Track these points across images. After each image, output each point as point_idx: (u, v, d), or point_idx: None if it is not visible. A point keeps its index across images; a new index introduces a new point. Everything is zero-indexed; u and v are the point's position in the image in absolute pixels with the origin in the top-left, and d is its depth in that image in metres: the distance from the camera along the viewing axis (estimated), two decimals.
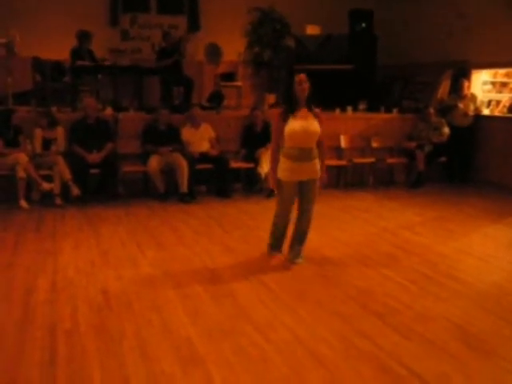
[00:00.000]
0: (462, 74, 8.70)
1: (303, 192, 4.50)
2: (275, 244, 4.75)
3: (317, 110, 4.42)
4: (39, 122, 6.63)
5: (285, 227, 4.67)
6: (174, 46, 8.31)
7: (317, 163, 4.44)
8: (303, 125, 4.31)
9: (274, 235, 4.73)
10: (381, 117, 8.57)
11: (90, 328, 3.29)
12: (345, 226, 5.88)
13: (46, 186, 6.43)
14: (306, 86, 4.32)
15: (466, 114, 8.30)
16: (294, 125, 4.31)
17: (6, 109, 6.70)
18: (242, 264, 4.55)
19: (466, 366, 2.95)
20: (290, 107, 4.37)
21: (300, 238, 4.66)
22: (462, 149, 8.37)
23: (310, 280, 4.22)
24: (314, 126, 4.35)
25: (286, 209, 4.55)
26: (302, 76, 4.33)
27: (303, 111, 4.36)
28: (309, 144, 4.36)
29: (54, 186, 6.47)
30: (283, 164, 4.40)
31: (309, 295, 3.90)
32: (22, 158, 6.31)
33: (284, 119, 4.35)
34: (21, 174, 6.28)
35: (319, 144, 4.45)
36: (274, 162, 4.48)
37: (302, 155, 4.34)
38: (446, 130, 8.19)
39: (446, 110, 8.43)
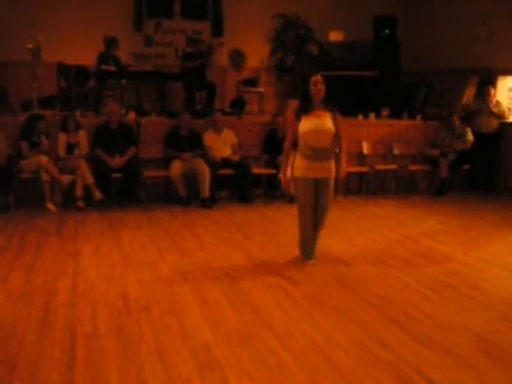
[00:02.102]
0: (487, 80, 8.59)
1: (319, 191, 4.51)
2: (305, 252, 4.71)
3: (335, 111, 4.45)
4: (64, 125, 6.74)
5: (309, 233, 4.64)
6: (201, 51, 8.38)
7: (332, 164, 4.48)
8: (316, 123, 4.36)
9: (302, 243, 4.70)
10: (404, 123, 8.52)
11: (110, 332, 3.32)
12: (366, 232, 5.86)
13: (65, 179, 6.50)
14: (322, 87, 4.37)
15: (491, 121, 8.20)
16: (306, 124, 4.38)
17: (35, 114, 6.82)
18: (261, 270, 4.55)
19: (487, 377, 2.90)
20: (304, 106, 4.43)
21: (317, 240, 4.72)
22: (486, 156, 8.26)
23: (330, 286, 4.21)
24: (328, 125, 4.38)
25: (306, 210, 4.53)
26: (318, 77, 4.39)
27: (318, 111, 4.41)
28: (322, 143, 4.39)
29: (77, 190, 6.56)
30: (298, 162, 4.46)
31: (328, 302, 3.88)
32: (43, 159, 6.42)
33: (298, 118, 4.42)
34: (44, 176, 6.39)
35: (337, 141, 4.46)
36: (286, 161, 4.54)
37: (316, 155, 4.39)
38: (470, 137, 8.09)
39: (470, 117, 8.34)
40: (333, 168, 4.50)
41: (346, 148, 4.63)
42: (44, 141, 6.55)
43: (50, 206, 6.47)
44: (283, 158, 4.61)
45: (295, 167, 4.49)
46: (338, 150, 4.56)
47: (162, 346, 3.14)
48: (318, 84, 4.36)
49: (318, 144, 4.38)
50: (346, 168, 4.66)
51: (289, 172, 4.59)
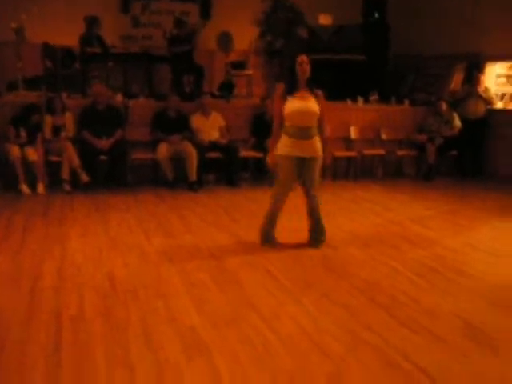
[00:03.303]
0: (475, 66, 8.60)
1: (305, 173, 4.52)
2: (267, 234, 4.72)
3: (317, 91, 4.50)
4: (49, 107, 6.64)
5: (278, 212, 4.64)
6: (187, 34, 8.28)
7: (317, 141, 4.50)
8: (301, 105, 4.40)
9: (267, 223, 4.68)
10: (392, 108, 8.51)
11: (96, 315, 3.29)
12: (353, 216, 5.87)
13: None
14: (307, 67, 4.41)
15: (478, 107, 8.21)
16: (292, 105, 4.41)
17: (33, 105, 6.65)
18: (248, 253, 4.55)
19: (473, 362, 2.92)
20: (289, 87, 4.46)
21: (317, 225, 4.72)
22: (474, 142, 8.29)
23: (317, 270, 4.21)
24: (313, 106, 4.43)
25: (284, 189, 4.53)
26: (304, 57, 4.42)
27: (302, 92, 4.45)
28: (307, 123, 4.44)
29: (63, 172, 6.50)
30: (283, 140, 4.49)
31: (315, 286, 3.88)
32: (15, 150, 6.34)
33: (283, 98, 4.45)
34: (16, 160, 6.31)
35: (320, 123, 4.51)
36: (274, 141, 4.55)
37: (301, 133, 4.42)
38: (458, 123, 8.11)
39: (458, 103, 8.34)
40: (318, 147, 4.51)
41: (329, 131, 4.64)
42: (22, 134, 6.44)
43: (24, 188, 6.38)
44: (271, 139, 4.61)
45: (279, 146, 4.51)
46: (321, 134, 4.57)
47: (149, 329, 3.12)
48: (303, 64, 4.39)
49: (303, 123, 4.41)
50: (331, 153, 4.66)
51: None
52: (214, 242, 4.80)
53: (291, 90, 4.45)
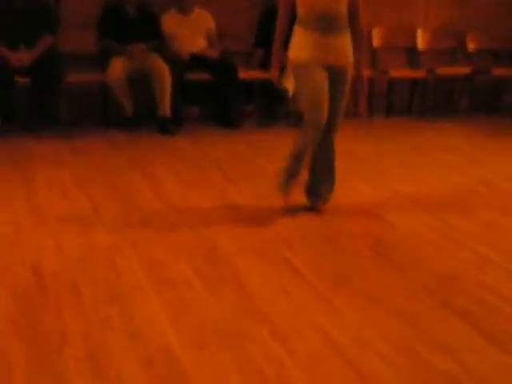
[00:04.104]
0: None
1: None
2: (286, 181, 4.85)
3: None
4: None
5: (306, 152, 4.75)
6: None
7: (347, 41, 4.59)
8: None
9: (290, 163, 4.80)
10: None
11: (14, 327, 3.29)
12: (417, 174, 5.90)
13: None
14: None
15: None
16: None
17: None
18: (251, 231, 4.59)
19: None
20: None
21: (329, 174, 4.90)
22: None
23: (357, 256, 4.23)
24: None
25: (317, 113, 4.56)
26: None
27: None
28: (333, 8, 4.43)
29: None
30: (298, 39, 4.53)
31: (354, 281, 3.89)
32: None
33: None
34: None
35: (352, 13, 4.53)
36: (279, 44, 4.65)
37: (324, 24, 4.44)
38: None
39: None
40: (349, 52, 4.58)
41: (362, 22, 4.63)
42: None
43: None
44: (275, 41, 4.67)
45: (293, 49, 4.58)
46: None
47: (98, 351, 3.12)
48: None
49: (327, 8, 4.42)
50: (364, 64, 4.74)
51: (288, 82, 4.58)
52: (200, 216, 4.82)
53: None
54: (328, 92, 4.57)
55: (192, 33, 7.19)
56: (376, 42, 7.90)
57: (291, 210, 4.90)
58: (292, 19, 4.59)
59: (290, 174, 4.81)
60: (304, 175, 4.89)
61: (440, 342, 3.28)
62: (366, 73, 4.66)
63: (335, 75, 4.58)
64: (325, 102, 4.56)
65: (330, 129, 4.69)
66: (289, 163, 4.79)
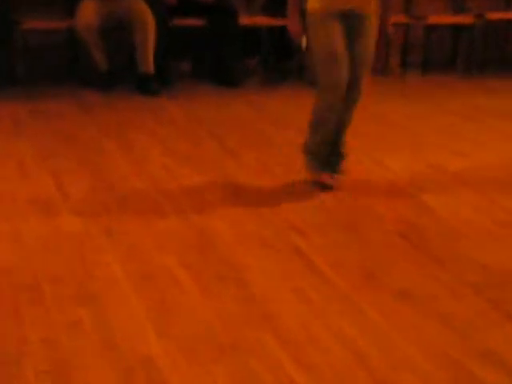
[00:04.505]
0: None
1: (351, 45, 4.69)
2: (318, 157, 4.93)
3: None
4: None
5: (330, 123, 4.82)
6: None
7: None
8: None
9: (311, 140, 4.91)
10: None
11: None
12: (462, 145, 5.93)
13: None
14: None
15: None
16: None
17: None
18: (256, 217, 4.59)
19: None
20: None
21: (341, 143, 5.00)
22: None
23: (386, 249, 4.26)
24: None
25: (337, 70, 4.63)
26: None
27: None
28: None
29: None
30: None
31: (382, 277, 3.90)
32: None
33: None
34: None
35: None
36: None
37: None
38: None
39: None
40: None
41: None
42: None
43: None
44: None
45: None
46: None
47: (63, 363, 3.12)
48: None
49: None
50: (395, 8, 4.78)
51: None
52: (191, 197, 4.84)
53: None
54: (348, 47, 4.62)
55: None
56: None
57: (304, 191, 4.91)
58: None
59: (312, 150, 4.87)
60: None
61: (488, 351, 3.27)
62: (398, 19, 4.64)
63: (357, 25, 4.62)
64: (343, 59, 4.60)
65: (352, 92, 4.75)
66: (307, 137, 4.85)
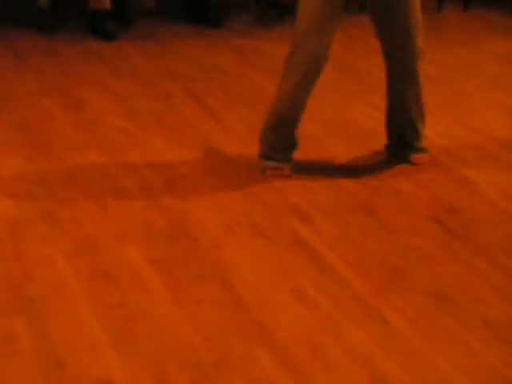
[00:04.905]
0: None
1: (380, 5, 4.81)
2: (277, 145, 5.00)
3: None
4: None
5: (300, 98, 4.91)
6: None
7: None
8: None
9: (275, 123, 4.97)
10: None
11: None
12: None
13: None
14: None
15: None
16: None
17: None
18: (246, 198, 4.65)
19: None
20: None
21: (416, 119, 5.08)
22: None
23: (416, 239, 4.28)
24: None
25: (312, 36, 4.77)
26: None
27: None
28: None
29: None
30: None
31: (411, 277, 3.93)
32: None
33: None
34: None
35: None
36: None
37: None
38: None
39: None
40: None
41: None
42: None
43: None
44: None
45: None
46: None
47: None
48: None
49: None
50: None
51: None
52: (160, 171, 4.86)
53: None
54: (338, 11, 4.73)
55: None
56: None
57: (308, 163, 4.95)
58: None
59: (272, 136, 4.96)
60: None
61: None
62: None
63: None
64: (330, 20, 4.75)
65: (397, 43, 4.82)
66: (268, 121, 4.94)
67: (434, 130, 5.32)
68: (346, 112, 5.45)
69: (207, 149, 5.07)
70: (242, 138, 5.22)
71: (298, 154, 4.93)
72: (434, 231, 4.27)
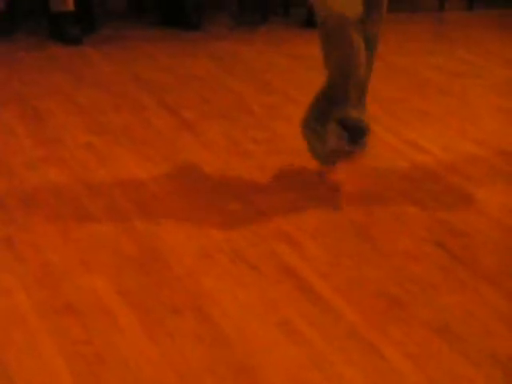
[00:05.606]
0: None
1: None
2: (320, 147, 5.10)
3: None
4: None
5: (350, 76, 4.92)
6: None
7: None
8: None
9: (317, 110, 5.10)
10: None
11: None
12: None
13: None
14: None
15: None
16: None
17: None
18: (228, 220, 4.66)
19: None
20: None
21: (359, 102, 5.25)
22: None
23: (418, 265, 4.29)
24: None
25: (347, 35, 4.77)
26: None
27: None
28: None
29: None
30: None
31: (412, 308, 3.92)
32: None
33: None
34: None
35: None
36: None
37: None
38: None
39: None
40: None
41: None
42: None
43: None
44: None
45: None
46: None
47: None
48: None
49: None
50: None
51: None
52: (129, 189, 4.88)
53: None
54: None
55: None
56: None
57: (296, 179, 4.93)
58: None
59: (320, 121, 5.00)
60: None
61: None
62: None
63: None
64: (355, 11, 4.73)
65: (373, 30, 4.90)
66: (317, 102, 4.99)
67: (436, 144, 5.34)
68: None
69: (183, 166, 5.09)
70: (221, 154, 5.23)
71: (285, 171, 4.96)
72: (436, 257, 4.29)
